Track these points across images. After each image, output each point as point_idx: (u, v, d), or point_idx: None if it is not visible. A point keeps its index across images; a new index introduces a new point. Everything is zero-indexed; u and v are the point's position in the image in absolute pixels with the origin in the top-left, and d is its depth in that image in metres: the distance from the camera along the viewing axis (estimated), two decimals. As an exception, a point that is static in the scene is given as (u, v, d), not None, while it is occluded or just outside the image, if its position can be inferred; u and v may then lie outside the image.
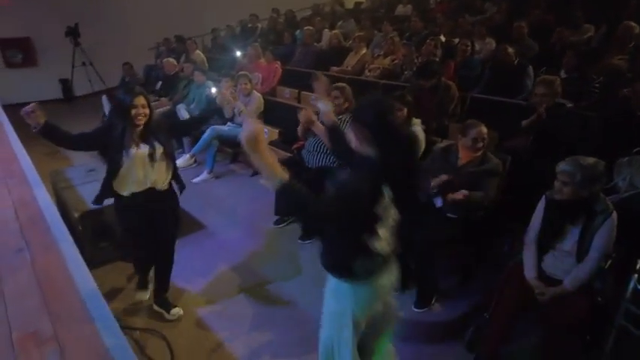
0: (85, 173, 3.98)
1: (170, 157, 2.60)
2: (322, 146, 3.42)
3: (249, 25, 8.65)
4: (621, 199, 2.48)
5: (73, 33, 8.53)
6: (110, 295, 2.99)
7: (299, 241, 3.48)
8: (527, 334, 2.47)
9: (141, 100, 2.37)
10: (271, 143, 4.28)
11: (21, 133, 3.56)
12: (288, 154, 3.91)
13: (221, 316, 2.81)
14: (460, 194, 2.51)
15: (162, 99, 6.10)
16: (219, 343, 2.60)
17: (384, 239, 1.60)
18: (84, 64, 8.72)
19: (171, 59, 6.32)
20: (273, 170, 1.32)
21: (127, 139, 2.38)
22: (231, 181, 4.83)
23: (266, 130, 4.41)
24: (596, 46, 4.46)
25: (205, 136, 4.65)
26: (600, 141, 2.85)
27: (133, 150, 2.41)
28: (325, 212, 1.40)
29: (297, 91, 5.25)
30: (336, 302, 1.73)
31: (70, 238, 1.93)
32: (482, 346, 2.44)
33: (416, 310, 2.69)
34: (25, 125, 2.23)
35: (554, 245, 2.26)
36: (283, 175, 1.32)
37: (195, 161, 4.92)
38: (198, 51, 7.20)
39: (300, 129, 3.56)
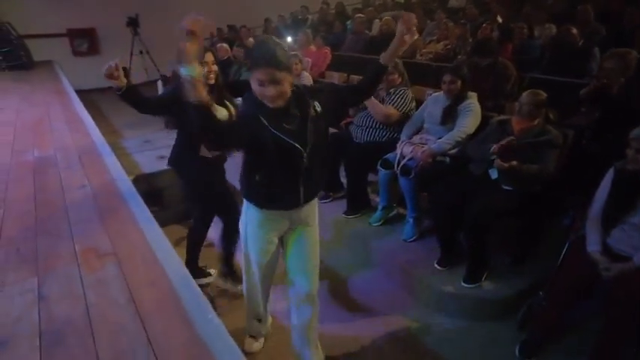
0: (141, 143, 4.16)
1: None
2: (372, 121, 3.38)
3: (300, 17, 8.75)
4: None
5: (133, 23, 8.94)
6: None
7: (343, 215, 3.45)
8: (586, 314, 2.31)
9: (210, 57, 2.27)
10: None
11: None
12: (336, 130, 3.88)
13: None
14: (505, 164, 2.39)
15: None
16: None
17: None
18: (141, 52, 9.12)
19: (224, 45, 6.48)
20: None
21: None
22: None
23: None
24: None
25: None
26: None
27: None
28: None
29: (345, 75, 5.22)
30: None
31: (126, 176, 2.01)
32: (534, 325, 2.30)
33: (465, 285, 2.59)
34: (89, 105, 2.34)
35: (624, 219, 2.08)
36: None
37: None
38: (251, 39, 7.35)
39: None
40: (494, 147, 2.42)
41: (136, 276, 1.28)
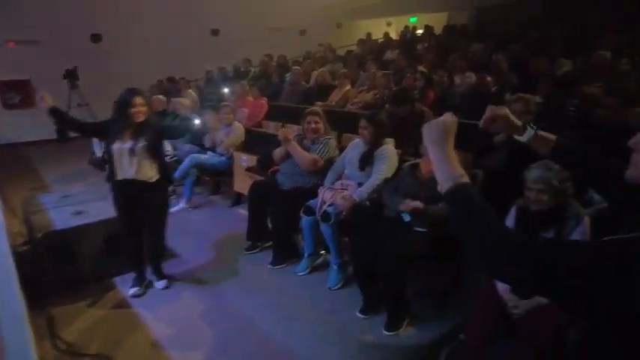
0: (59, 199, 3.89)
1: (154, 154, 2.86)
2: (296, 168, 3.39)
3: (242, 69, 8.89)
4: (597, 210, 2.38)
5: (70, 76, 8.73)
6: (66, 320, 2.83)
7: (269, 266, 3.33)
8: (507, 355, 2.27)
9: (139, 100, 2.76)
10: (249, 169, 4.23)
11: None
12: (263, 178, 3.84)
13: (178, 340, 2.62)
14: (415, 204, 2.42)
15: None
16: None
17: None
18: (79, 105, 8.85)
19: (160, 96, 6.40)
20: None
21: (119, 134, 2.77)
22: (209, 210, 4.75)
23: (244, 157, 4.38)
24: (572, 76, 4.52)
25: (183, 165, 4.62)
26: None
27: (118, 144, 2.77)
28: None
29: (280, 124, 5.28)
30: None
31: (5, 240, 1.82)
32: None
33: (386, 333, 2.51)
34: (9, 165, 2.18)
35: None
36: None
37: (174, 192, 4.79)
38: (190, 90, 7.34)
39: (277, 151, 3.53)
40: (402, 205, 2.46)
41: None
